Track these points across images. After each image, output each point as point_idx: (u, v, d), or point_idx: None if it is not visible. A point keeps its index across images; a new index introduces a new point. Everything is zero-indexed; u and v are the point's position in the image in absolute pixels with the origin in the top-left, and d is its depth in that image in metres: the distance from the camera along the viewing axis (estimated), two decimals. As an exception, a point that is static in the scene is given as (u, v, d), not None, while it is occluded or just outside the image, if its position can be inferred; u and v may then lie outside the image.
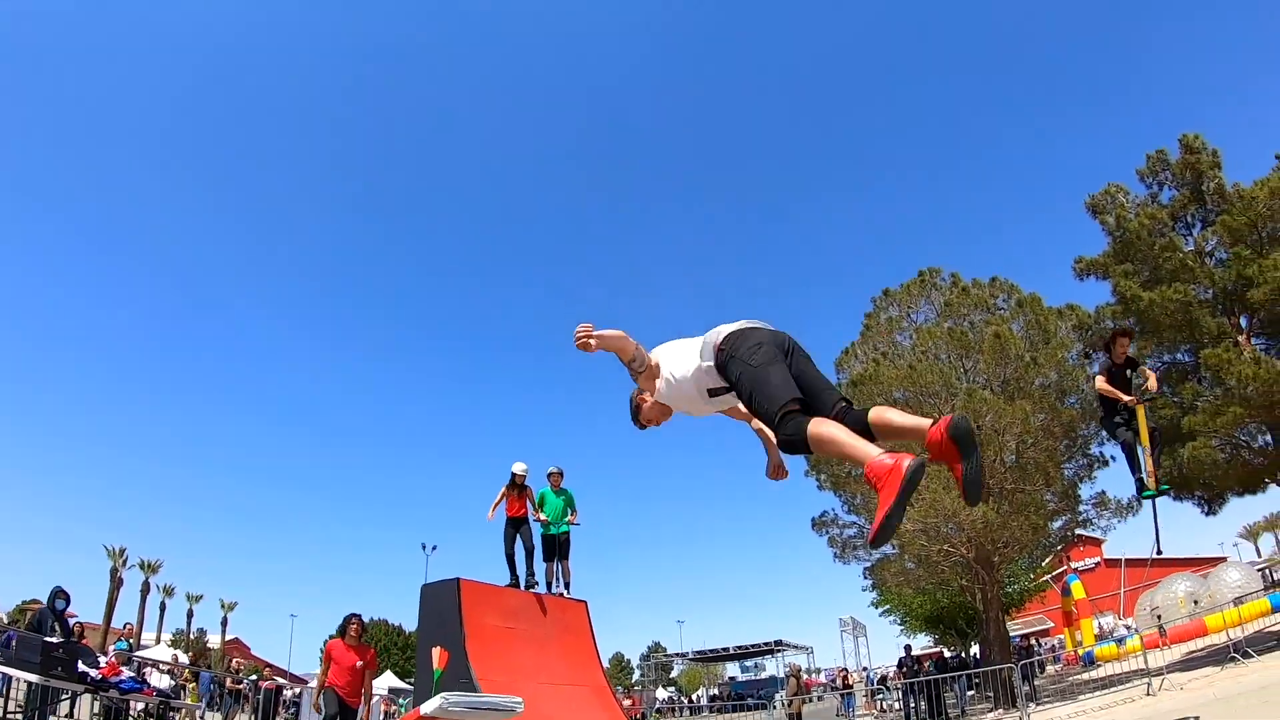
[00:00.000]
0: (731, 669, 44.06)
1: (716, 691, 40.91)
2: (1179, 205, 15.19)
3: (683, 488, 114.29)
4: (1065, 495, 16.64)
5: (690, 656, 39.89)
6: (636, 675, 57.61)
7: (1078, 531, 18.75)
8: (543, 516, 10.04)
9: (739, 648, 35.73)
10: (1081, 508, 17.11)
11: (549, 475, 10.34)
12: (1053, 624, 40.53)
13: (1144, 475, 7.16)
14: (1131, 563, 37.65)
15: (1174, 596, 27.64)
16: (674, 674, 57.22)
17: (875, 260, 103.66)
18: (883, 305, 18.41)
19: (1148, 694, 12.37)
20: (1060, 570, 32.07)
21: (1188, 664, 14.59)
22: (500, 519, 10.06)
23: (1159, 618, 23.05)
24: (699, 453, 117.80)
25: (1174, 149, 15.31)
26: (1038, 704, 14.48)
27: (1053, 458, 15.74)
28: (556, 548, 10.23)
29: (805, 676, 27.73)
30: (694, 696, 39.74)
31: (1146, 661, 13.84)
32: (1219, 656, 13.52)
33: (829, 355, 18.60)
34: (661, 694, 41.52)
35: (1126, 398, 7.13)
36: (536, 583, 9.90)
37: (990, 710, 15.76)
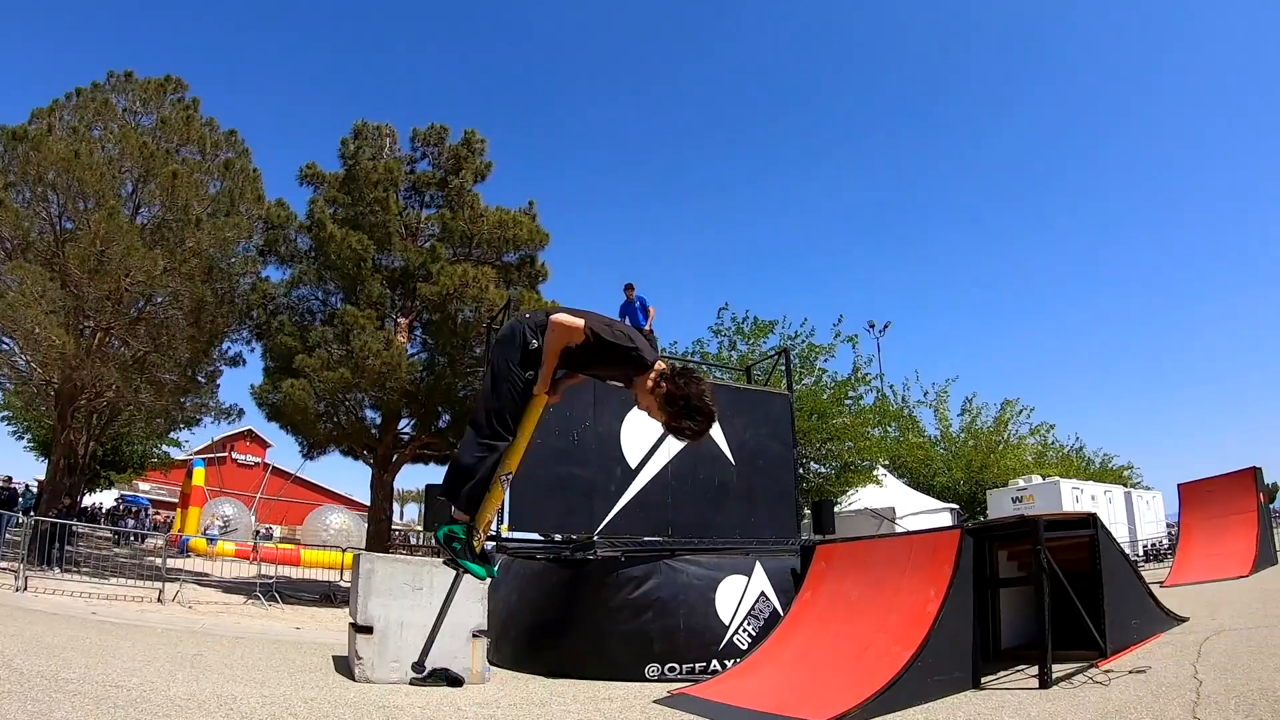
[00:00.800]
0: None
1: None
2: (424, 180, 15.61)
3: None
4: (186, 375, 15.63)
5: None
6: None
7: (240, 427, 18.77)
8: None
9: None
10: (191, 400, 16.43)
11: None
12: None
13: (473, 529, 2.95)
14: (279, 472, 39.59)
15: (326, 524, 29.15)
16: None
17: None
18: (121, 84, 15.02)
19: (159, 599, 11.74)
20: (196, 453, 32.05)
21: (241, 587, 14.39)
22: None
23: (257, 533, 23.65)
24: None
25: (459, 134, 15.84)
26: (62, 569, 13.39)
27: (174, 330, 14.59)
28: None
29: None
30: None
31: (164, 564, 13.30)
32: (272, 590, 13.53)
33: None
34: None
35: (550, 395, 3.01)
36: None
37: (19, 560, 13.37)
